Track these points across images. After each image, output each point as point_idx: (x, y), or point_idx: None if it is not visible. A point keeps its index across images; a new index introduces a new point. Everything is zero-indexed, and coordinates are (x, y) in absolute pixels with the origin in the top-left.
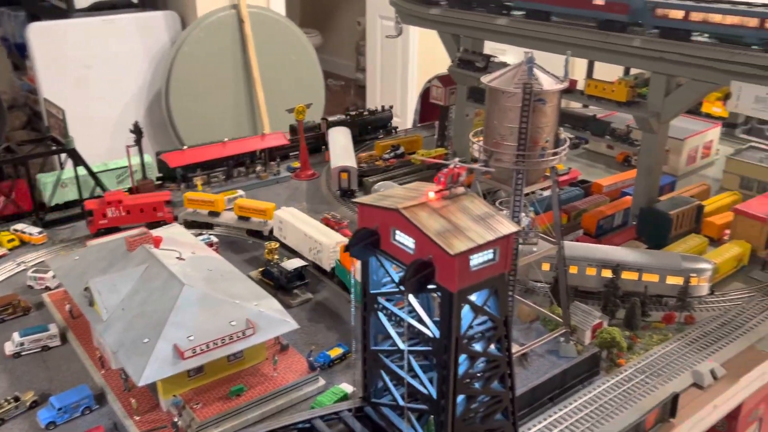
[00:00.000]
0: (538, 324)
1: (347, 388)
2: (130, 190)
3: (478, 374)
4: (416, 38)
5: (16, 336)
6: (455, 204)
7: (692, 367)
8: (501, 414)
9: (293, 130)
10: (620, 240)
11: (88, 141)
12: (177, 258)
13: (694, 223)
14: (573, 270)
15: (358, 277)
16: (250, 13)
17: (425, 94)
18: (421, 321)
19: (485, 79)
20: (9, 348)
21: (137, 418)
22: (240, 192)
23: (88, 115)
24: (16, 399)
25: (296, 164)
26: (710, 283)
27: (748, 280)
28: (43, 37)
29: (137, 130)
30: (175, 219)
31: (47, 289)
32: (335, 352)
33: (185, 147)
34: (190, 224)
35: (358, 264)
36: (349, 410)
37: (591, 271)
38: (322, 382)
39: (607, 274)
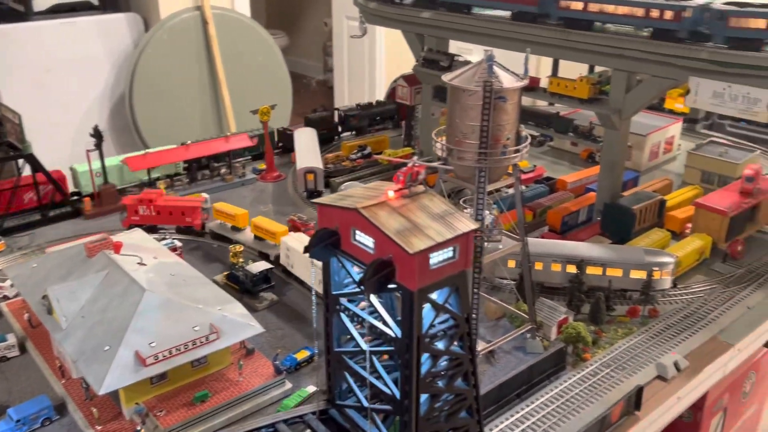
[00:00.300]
0: (504, 321)
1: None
2: (91, 196)
3: (442, 373)
4: (382, 38)
5: None
6: (415, 203)
7: (656, 360)
8: (466, 412)
9: (308, 121)
10: (585, 236)
11: (49, 146)
12: (138, 263)
13: (656, 218)
14: (538, 266)
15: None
16: (214, 14)
17: (391, 94)
18: (383, 321)
19: (446, 77)
20: None
21: (99, 427)
22: (204, 195)
23: (49, 119)
24: None
25: (262, 166)
26: (673, 277)
27: (710, 272)
28: (0, 40)
29: (97, 134)
30: (202, 227)
31: (5, 298)
32: (302, 354)
33: (147, 151)
34: (216, 236)
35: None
36: (314, 413)
37: (556, 267)
38: (288, 385)
39: (572, 269)
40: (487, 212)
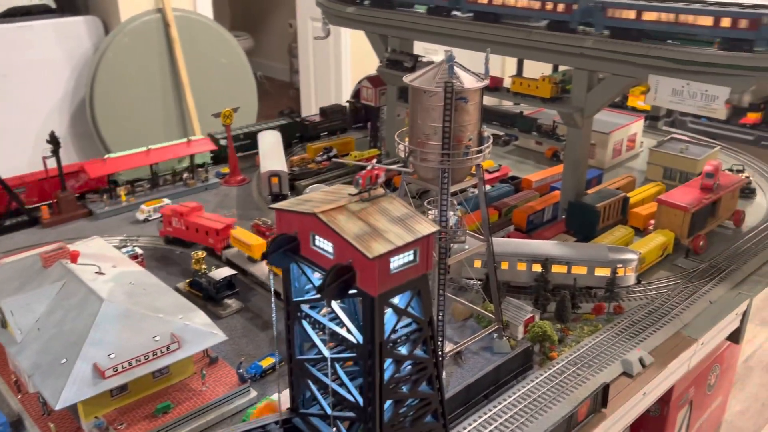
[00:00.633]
0: (472, 321)
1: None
2: (49, 204)
3: (405, 378)
4: (348, 39)
5: None
6: (374, 206)
7: (622, 357)
8: (431, 416)
9: (323, 112)
10: (550, 234)
11: (7, 153)
12: (96, 273)
13: (620, 215)
14: (504, 266)
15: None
16: (176, 16)
17: (356, 96)
18: (345, 327)
19: (407, 78)
20: None
21: None
22: (166, 201)
23: (6, 126)
24: None
25: (225, 170)
26: (637, 273)
27: (673, 267)
28: None
29: (54, 141)
30: (220, 255)
31: None
32: (267, 361)
33: (107, 156)
34: (231, 264)
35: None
36: (276, 422)
37: (522, 266)
38: (253, 393)
39: (538, 268)
40: (451, 213)
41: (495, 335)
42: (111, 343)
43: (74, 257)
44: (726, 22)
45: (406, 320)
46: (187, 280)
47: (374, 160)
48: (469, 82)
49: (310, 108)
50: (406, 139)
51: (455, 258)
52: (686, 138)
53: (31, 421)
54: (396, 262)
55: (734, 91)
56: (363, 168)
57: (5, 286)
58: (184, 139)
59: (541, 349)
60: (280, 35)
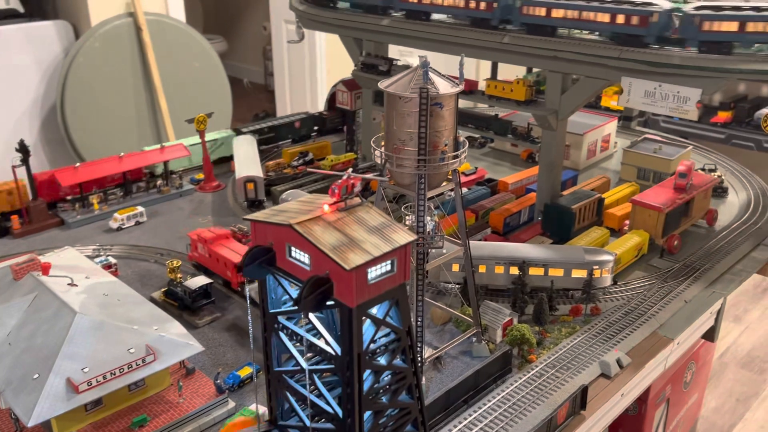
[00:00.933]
0: (451, 326)
1: (259, 408)
2: (19, 213)
3: (385, 388)
4: (322, 42)
5: None
6: (351, 216)
7: (599, 358)
8: (411, 425)
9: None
10: (527, 236)
11: None
12: (69, 284)
13: (595, 216)
14: (482, 269)
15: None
16: (148, 20)
17: (332, 99)
18: (323, 338)
19: (382, 84)
20: None
21: None
22: (140, 208)
23: None
24: None
25: (200, 176)
26: (613, 274)
27: (648, 268)
28: None
29: (23, 149)
30: (239, 290)
31: None
32: (245, 371)
33: (78, 164)
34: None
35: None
36: None
37: (499, 269)
38: (232, 404)
39: (515, 271)
40: (428, 218)
41: (474, 339)
42: (85, 357)
43: (46, 269)
44: (621, 18)
45: (384, 330)
46: (163, 290)
47: (350, 169)
48: (444, 87)
49: (285, 110)
50: (383, 145)
51: (433, 263)
52: (659, 138)
53: None
54: (373, 273)
55: (705, 93)
56: (338, 177)
57: None
58: (158, 145)
59: (519, 352)
60: (254, 38)
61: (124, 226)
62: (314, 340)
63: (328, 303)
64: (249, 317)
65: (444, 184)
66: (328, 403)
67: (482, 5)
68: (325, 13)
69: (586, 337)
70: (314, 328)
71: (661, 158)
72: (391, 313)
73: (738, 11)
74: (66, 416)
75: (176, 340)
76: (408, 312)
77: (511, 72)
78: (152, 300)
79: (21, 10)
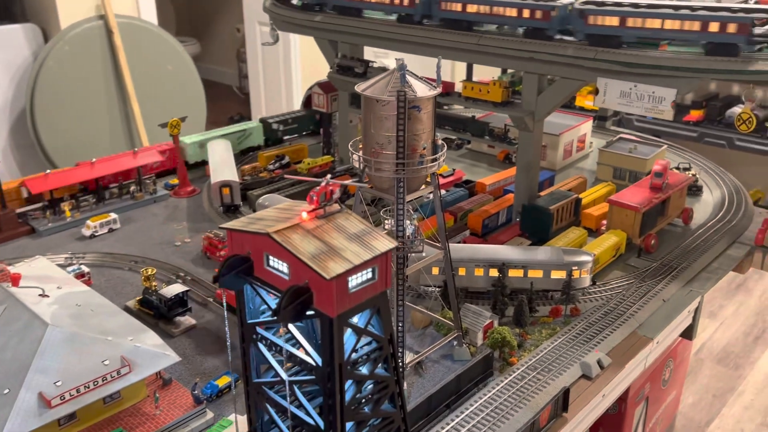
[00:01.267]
0: (431, 329)
1: (239, 419)
2: None
3: (367, 397)
4: (297, 44)
5: None
6: (330, 223)
7: (580, 359)
8: None
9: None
10: (506, 237)
11: None
12: (40, 295)
13: (573, 216)
14: (462, 272)
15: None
16: (119, 23)
17: (308, 102)
18: (303, 349)
19: (359, 87)
20: None
21: None
22: (113, 215)
23: None
24: None
25: (174, 181)
26: (591, 274)
27: (626, 267)
28: None
29: None
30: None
31: None
32: (223, 380)
33: (48, 171)
34: None
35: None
36: None
37: (479, 272)
38: (210, 414)
39: (495, 273)
40: (408, 222)
41: (455, 343)
42: (57, 370)
43: (15, 280)
44: (526, 13)
45: (366, 339)
46: (138, 298)
47: (328, 175)
48: (421, 90)
49: (260, 113)
50: (361, 149)
51: (413, 267)
52: (634, 138)
53: None
54: (354, 281)
55: (680, 92)
56: (316, 184)
57: None
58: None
59: (500, 355)
60: (227, 40)
61: (97, 234)
62: (294, 350)
63: (308, 313)
64: (226, 326)
65: (423, 187)
66: (309, 414)
67: (405, 1)
68: (299, 15)
69: (567, 338)
70: (293, 337)
71: (637, 158)
72: (372, 321)
73: (618, 7)
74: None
75: (152, 351)
76: (390, 320)
77: (485, 73)
78: (127, 309)
79: None
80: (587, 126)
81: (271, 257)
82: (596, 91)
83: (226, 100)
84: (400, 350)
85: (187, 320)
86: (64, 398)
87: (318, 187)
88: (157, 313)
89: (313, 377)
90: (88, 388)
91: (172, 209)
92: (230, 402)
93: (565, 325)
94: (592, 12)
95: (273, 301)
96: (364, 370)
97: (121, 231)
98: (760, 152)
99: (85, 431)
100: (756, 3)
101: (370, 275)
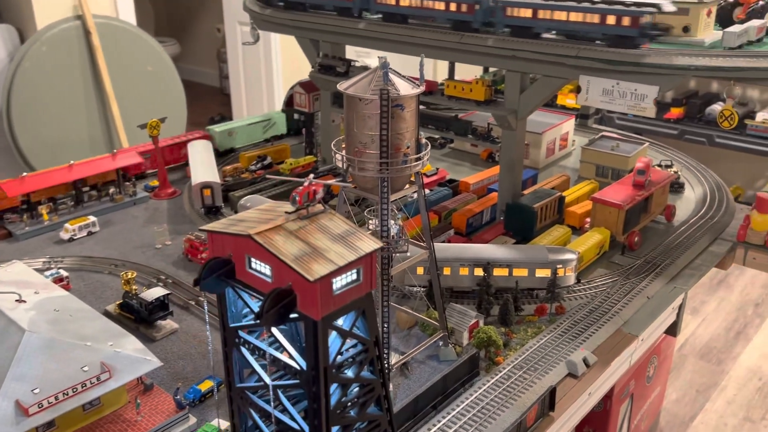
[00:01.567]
0: (417, 330)
1: (222, 424)
2: None
3: (353, 401)
4: (278, 43)
5: None
6: (313, 224)
7: (566, 358)
8: None
9: None
10: (490, 236)
11: None
12: (17, 300)
13: (556, 214)
14: (447, 271)
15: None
16: (97, 23)
17: (289, 102)
18: (287, 352)
19: (341, 86)
20: None
21: None
22: (92, 218)
23: None
24: None
25: (154, 183)
26: (576, 272)
27: (611, 265)
28: None
29: None
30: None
31: None
32: (206, 385)
33: (24, 174)
34: None
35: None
36: None
37: (464, 271)
38: (193, 420)
39: (480, 272)
40: (392, 222)
41: (441, 343)
42: (35, 377)
43: None
44: (453, 6)
45: (351, 341)
46: (118, 302)
47: (311, 175)
48: (404, 88)
49: (241, 113)
50: (344, 148)
51: (398, 268)
52: (616, 135)
53: None
54: (339, 283)
55: (662, 90)
56: (299, 184)
57: None
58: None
59: (486, 355)
60: (207, 40)
61: (75, 237)
62: (278, 354)
63: (292, 316)
64: (207, 328)
65: (407, 186)
66: (293, 419)
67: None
68: (280, 14)
69: (552, 336)
70: (277, 341)
71: (619, 155)
72: (357, 323)
73: (532, 0)
74: None
75: (133, 356)
76: (375, 322)
77: (467, 71)
78: (107, 314)
79: None
80: (570, 124)
81: (253, 259)
82: (578, 89)
83: (207, 101)
84: (386, 352)
85: (169, 324)
86: (42, 406)
87: (301, 188)
88: (137, 317)
89: (298, 381)
90: (67, 395)
91: (152, 211)
92: (213, 407)
93: (550, 324)
94: (509, 5)
95: (255, 305)
96: (349, 373)
97: (100, 234)
98: (739, 149)
99: None
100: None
101: (354, 277)
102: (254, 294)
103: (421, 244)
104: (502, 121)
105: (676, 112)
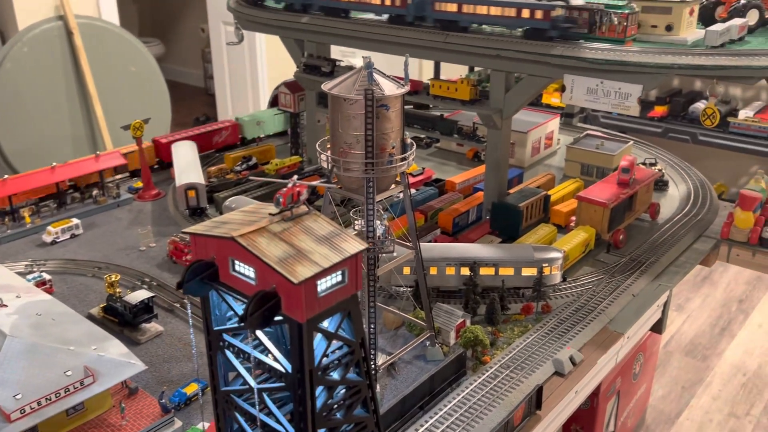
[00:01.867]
0: (404, 330)
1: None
2: None
3: (339, 403)
4: (263, 43)
5: None
6: (298, 225)
7: (552, 356)
8: None
9: None
10: (476, 235)
11: None
12: None
13: (542, 213)
14: (433, 271)
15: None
16: (79, 24)
17: (274, 102)
18: (271, 355)
19: (326, 86)
20: None
21: None
22: (75, 221)
23: None
24: None
25: (138, 184)
26: (562, 271)
27: (596, 263)
28: None
29: None
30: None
31: None
32: (191, 388)
33: (6, 176)
34: None
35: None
36: None
37: (450, 271)
38: (178, 423)
39: (466, 271)
40: (378, 222)
41: (427, 343)
42: (17, 383)
43: None
44: (388, 1)
45: (337, 343)
46: (101, 306)
47: (295, 176)
48: (389, 88)
49: (227, 114)
50: (328, 149)
51: (384, 268)
52: (601, 134)
53: None
54: (323, 285)
55: (646, 89)
56: (283, 185)
57: None
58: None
59: (473, 354)
60: (192, 40)
61: (58, 240)
62: (263, 357)
63: (276, 319)
64: (191, 332)
65: (393, 186)
66: (279, 422)
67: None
68: (264, 14)
69: (539, 335)
70: (261, 343)
71: (604, 154)
72: (343, 325)
73: None
74: None
75: (117, 360)
76: (361, 323)
77: (452, 70)
78: (90, 317)
79: None
80: (554, 123)
81: (236, 262)
82: (563, 89)
83: (192, 101)
84: (373, 353)
85: (153, 327)
86: (25, 411)
87: (284, 189)
88: (121, 320)
89: (283, 384)
90: (50, 400)
91: (136, 213)
92: (199, 409)
93: (536, 323)
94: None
95: (240, 308)
96: (335, 375)
97: (83, 236)
98: (722, 146)
99: None
100: None
101: (340, 278)
102: (238, 297)
103: (408, 244)
104: (488, 120)
105: (659, 110)
